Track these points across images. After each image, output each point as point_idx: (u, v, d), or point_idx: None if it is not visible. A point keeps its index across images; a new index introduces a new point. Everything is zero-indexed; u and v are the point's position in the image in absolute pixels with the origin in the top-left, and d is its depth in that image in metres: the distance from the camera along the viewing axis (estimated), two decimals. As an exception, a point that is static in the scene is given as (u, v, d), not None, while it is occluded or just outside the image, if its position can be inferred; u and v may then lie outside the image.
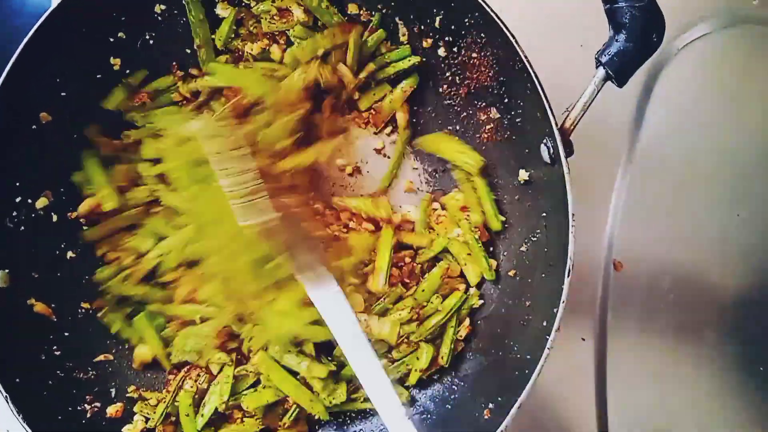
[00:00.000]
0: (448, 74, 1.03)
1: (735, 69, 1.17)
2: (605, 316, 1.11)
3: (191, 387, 0.98)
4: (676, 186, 1.14)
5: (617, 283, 1.11)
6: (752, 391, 1.11)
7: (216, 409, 0.96)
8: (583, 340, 1.10)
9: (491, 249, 1.04)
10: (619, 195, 1.13)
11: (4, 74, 0.88)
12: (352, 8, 1.02)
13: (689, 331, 1.11)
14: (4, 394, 0.85)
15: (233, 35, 1.03)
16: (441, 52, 1.02)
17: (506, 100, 0.95)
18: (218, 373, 0.99)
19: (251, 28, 1.02)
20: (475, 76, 0.99)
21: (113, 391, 1.00)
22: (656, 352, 1.11)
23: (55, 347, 0.96)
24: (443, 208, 1.05)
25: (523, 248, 0.96)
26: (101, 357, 1.00)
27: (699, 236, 1.13)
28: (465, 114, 1.03)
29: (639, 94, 1.15)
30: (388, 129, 1.07)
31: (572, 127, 0.83)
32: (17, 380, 0.87)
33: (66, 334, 0.97)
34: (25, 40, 0.88)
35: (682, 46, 1.16)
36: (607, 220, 1.12)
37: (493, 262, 1.01)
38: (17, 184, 0.95)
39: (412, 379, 0.99)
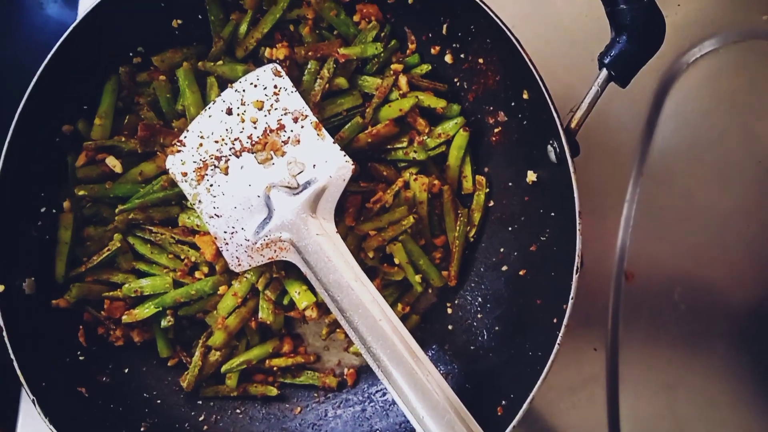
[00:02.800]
0: (456, 80, 1.06)
1: (745, 83, 1.17)
2: (617, 327, 1.11)
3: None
4: (686, 198, 1.15)
5: (629, 293, 1.12)
6: (763, 402, 1.11)
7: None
8: (595, 350, 1.11)
9: (466, 252, 1.07)
10: (630, 207, 1.14)
11: (29, 89, 0.91)
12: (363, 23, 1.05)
13: (700, 342, 1.12)
14: (32, 397, 0.88)
15: (254, 43, 1.04)
16: (447, 59, 1.04)
17: (513, 104, 0.97)
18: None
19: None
20: (482, 81, 1.01)
21: (137, 395, 1.03)
22: (668, 362, 1.11)
23: (79, 352, 0.99)
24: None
25: (532, 248, 0.97)
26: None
27: (709, 248, 1.14)
28: (473, 118, 1.05)
29: (650, 108, 1.16)
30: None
31: (577, 128, 0.85)
32: (43, 384, 0.90)
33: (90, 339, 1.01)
34: (49, 56, 0.91)
35: (692, 60, 1.16)
36: (619, 232, 1.13)
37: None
38: (42, 194, 0.98)
39: None
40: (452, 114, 1.05)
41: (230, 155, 0.98)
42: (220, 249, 0.97)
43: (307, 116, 0.98)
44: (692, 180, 1.15)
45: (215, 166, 0.98)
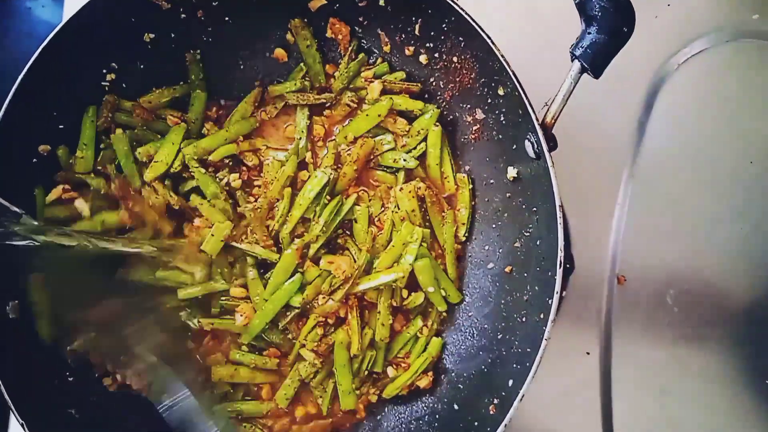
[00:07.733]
0: (432, 80, 1.05)
1: (736, 83, 1.16)
2: (609, 330, 1.11)
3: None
4: (678, 200, 1.14)
5: (621, 296, 1.11)
6: (758, 404, 1.10)
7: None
8: (588, 354, 1.10)
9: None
10: (621, 209, 1.13)
11: (3, 108, 0.90)
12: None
13: (694, 344, 1.11)
14: (21, 421, 0.87)
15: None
16: (422, 59, 1.04)
17: (489, 101, 0.97)
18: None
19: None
20: (457, 79, 1.01)
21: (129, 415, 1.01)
22: (661, 365, 1.11)
23: (67, 373, 0.98)
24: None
25: (517, 244, 0.97)
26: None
27: (702, 249, 1.13)
28: (451, 117, 1.05)
29: (640, 110, 1.15)
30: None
31: (553, 121, 0.84)
32: (33, 407, 0.89)
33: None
34: (23, 73, 0.91)
35: (683, 61, 1.15)
36: (610, 234, 1.13)
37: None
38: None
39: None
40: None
41: None
42: None
43: None
44: (684, 181, 1.14)
45: None
